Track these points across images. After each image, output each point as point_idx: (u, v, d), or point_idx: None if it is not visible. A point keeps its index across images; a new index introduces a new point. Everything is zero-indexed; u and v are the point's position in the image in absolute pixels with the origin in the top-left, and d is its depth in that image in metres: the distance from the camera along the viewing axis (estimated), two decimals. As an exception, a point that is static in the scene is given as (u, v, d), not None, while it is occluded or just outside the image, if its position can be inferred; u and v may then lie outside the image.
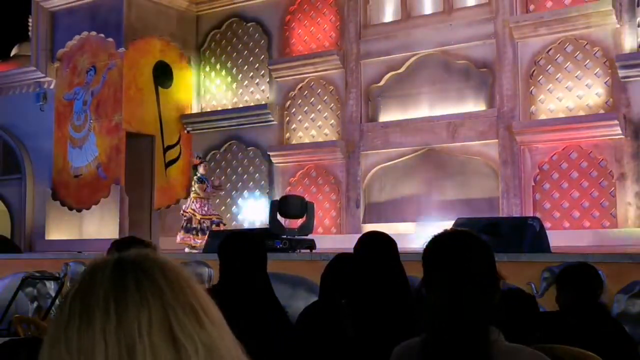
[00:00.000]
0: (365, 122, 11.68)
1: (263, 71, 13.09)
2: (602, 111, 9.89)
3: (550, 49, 10.33)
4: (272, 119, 12.67)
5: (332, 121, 12.20)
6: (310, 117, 12.44)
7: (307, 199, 9.12)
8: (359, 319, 2.90)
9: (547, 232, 6.70)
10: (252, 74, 13.29)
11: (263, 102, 12.93)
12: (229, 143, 13.20)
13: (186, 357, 0.79)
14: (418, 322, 1.93)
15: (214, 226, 10.62)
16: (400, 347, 1.96)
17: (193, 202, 10.79)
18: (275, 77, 12.75)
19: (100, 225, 12.57)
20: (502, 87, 10.51)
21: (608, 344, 2.99)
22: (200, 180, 10.82)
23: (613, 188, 9.67)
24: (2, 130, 15.00)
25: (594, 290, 3.39)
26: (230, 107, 13.43)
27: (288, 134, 12.66)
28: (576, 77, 10.13)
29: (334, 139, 12.07)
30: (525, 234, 6.22)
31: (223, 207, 12.90)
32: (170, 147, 13.36)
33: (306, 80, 12.42)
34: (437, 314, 1.78)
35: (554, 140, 10.08)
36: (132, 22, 12.91)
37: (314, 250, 7.96)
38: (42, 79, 14.24)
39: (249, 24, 13.32)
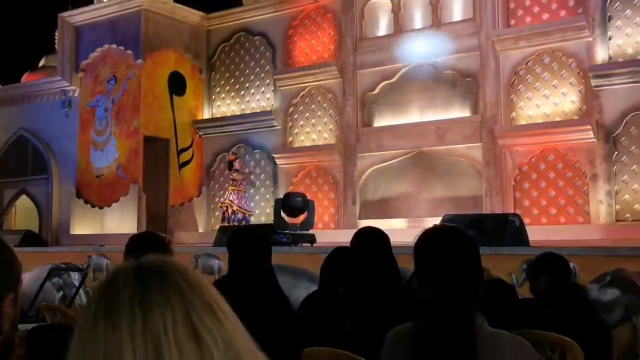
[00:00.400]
0: (361, 126, 11.67)
1: (268, 80, 13.08)
2: (576, 117, 9.89)
3: (529, 60, 10.32)
4: (276, 124, 12.66)
5: (331, 126, 12.19)
6: (311, 122, 12.44)
7: (308, 197, 9.10)
8: (355, 307, 2.90)
9: (527, 227, 6.70)
10: (258, 83, 13.28)
11: (268, 109, 12.92)
12: (237, 146, 13.19)
13: (207, 351, 0.78)
14: (409, 310, 1.92)
15: (243, 222, 10.74)
16: (394, 332, 1.95)
17: (231, 194, 11.14)
18: (279, 86, 12.74)
19: (120, 221, 12.57)
20: (486, 95, 10.51)
21: (582, 329, 2.98)
22: (236, 171, 11.14)
23: (586, 187, 9.67)
24: (31, 135, 15.01)
25: (564, 279, 3.31)
26: (238, 114, 13.42)
27: (291, 138, 12.65)
28: (553, 86, 10.12)
29: (332, 142, 12.06)
30: (506, 229, 6.21)
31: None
32: (183, 149, 13.37)
33: (307, 89, 12.42)
34: (428, 304, 1.78)
35: (533, 143, 10.08)
36: (149, 36, 12.91)
37: (314, 244, 7.96)
38: (67, 88, 14.24)
39: (255, 38, 13.32)
